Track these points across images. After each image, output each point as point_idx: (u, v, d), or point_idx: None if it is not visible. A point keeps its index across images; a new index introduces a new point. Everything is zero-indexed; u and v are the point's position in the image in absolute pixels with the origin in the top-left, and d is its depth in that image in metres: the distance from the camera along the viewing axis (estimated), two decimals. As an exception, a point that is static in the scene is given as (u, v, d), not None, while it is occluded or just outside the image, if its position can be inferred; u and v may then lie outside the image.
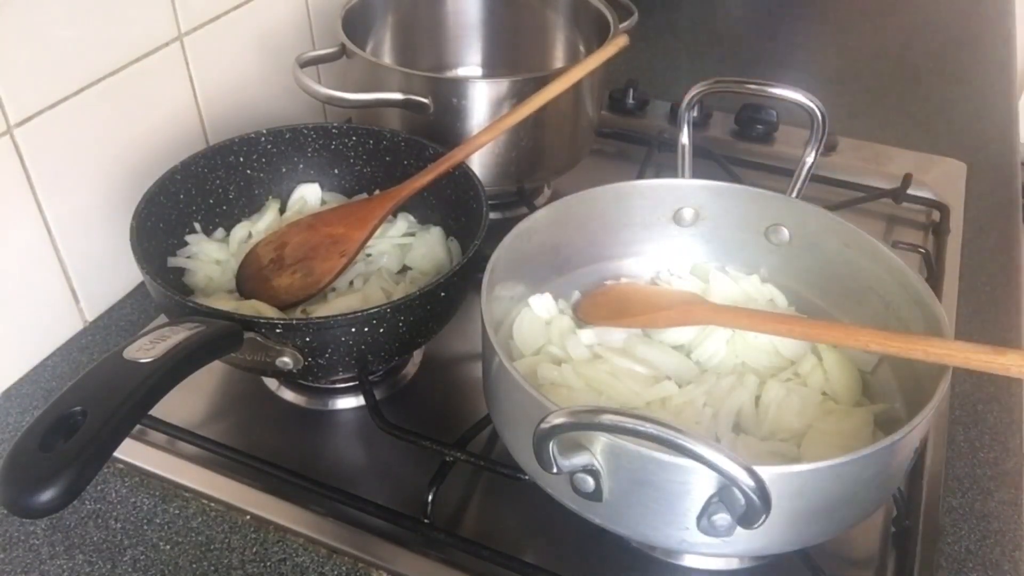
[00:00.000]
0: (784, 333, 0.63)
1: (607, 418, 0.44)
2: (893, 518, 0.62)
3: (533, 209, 0.75)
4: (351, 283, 0.74)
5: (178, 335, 0.53)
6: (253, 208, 0.80)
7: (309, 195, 0.81)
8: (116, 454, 0.58)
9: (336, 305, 0.70)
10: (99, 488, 0.64)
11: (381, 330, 0.61)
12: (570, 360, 0.66)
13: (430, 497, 0.60)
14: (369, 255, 0.77)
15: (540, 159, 0.87)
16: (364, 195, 0.81)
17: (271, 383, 0.73)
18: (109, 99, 0.75)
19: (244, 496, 0.63)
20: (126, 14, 0.75)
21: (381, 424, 0.65)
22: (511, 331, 0.67)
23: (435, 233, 0.78)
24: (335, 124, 0.81)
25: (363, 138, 0.80)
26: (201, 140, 0.87)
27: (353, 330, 0.60)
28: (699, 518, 0.48)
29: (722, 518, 0.48)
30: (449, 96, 0.80)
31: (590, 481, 0.49)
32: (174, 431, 0.67)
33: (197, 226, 0.76)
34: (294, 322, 0.61)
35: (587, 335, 0.67)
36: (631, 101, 1.09)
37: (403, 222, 0.80)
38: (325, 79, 0.97)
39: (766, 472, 0.45)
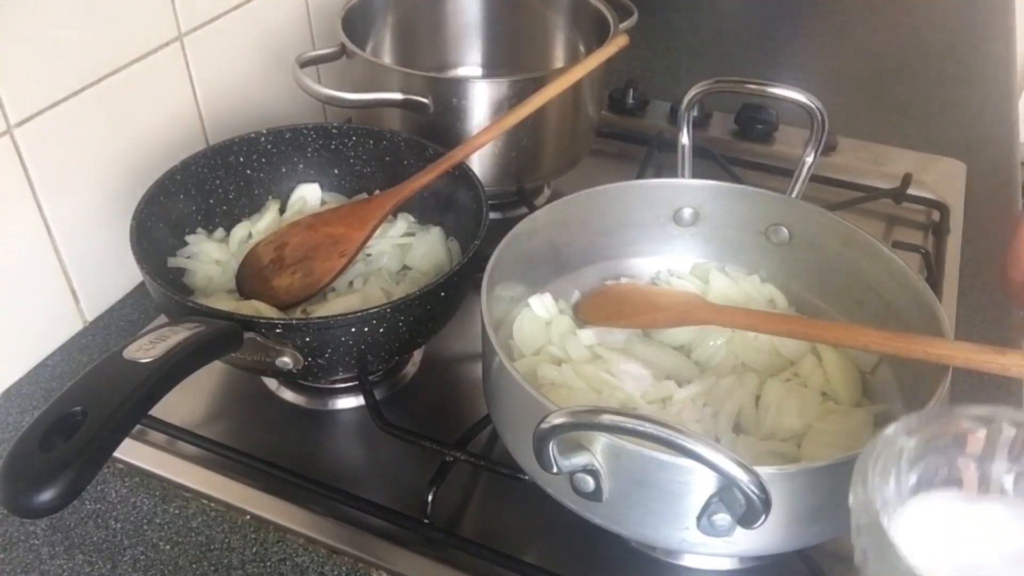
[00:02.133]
0: (784, 333, 0.63)
1: (607, 418, 0.44)
2: (893, 518, 0.62)
3: (533, 209, 0.75)
4: (351, 283, 0.74)
5: (178, 335, 0.53)
6: (253, 208, 0.80)
7: (309, 195, 0.81)
8: (116, 454, 0.58)
9: (336, 305, 0.70)
10: (99, 488, 0.64)
11: (381, 330, 0.61)
12: (570, 360, 0.66)
13: (430, 497, 0.60)
14: (369, 255, 0.77)
15: (540, 159, 0.87)
16: (364, 195, 0.81)
17: (271, 383, 0.73)
18: (109, 99, 0.75)
19: (244, 496, 0.63)
20: (126, 14, 0.75)
21: (381, 424, 0.65)
22: (511, 331, 0.67)
23: (435, 233, 0.78)
24: (335, 124, 0.81)
25: (363, 138, 0.80)
26: (201, 140, 0.87)
27: (353, 330, 0.60)
28: (699, 518, 0.48)
29: (722, 518, 0.48)
30: (449, 96, 0.80)
31: (590, 481, 0.49)
32: (174, 431, 0.67)
33: (197, 226, 0.76)
34: (294, 322, 0.61)
35: (587, 335, 0.67)
36: (631, 101, 1.09)
37: (403, 222, 0.80)
38: (325, 79, 0.97)
39: (766, 472, 0.45)
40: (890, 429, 0.40)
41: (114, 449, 0.47)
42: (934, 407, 0.43)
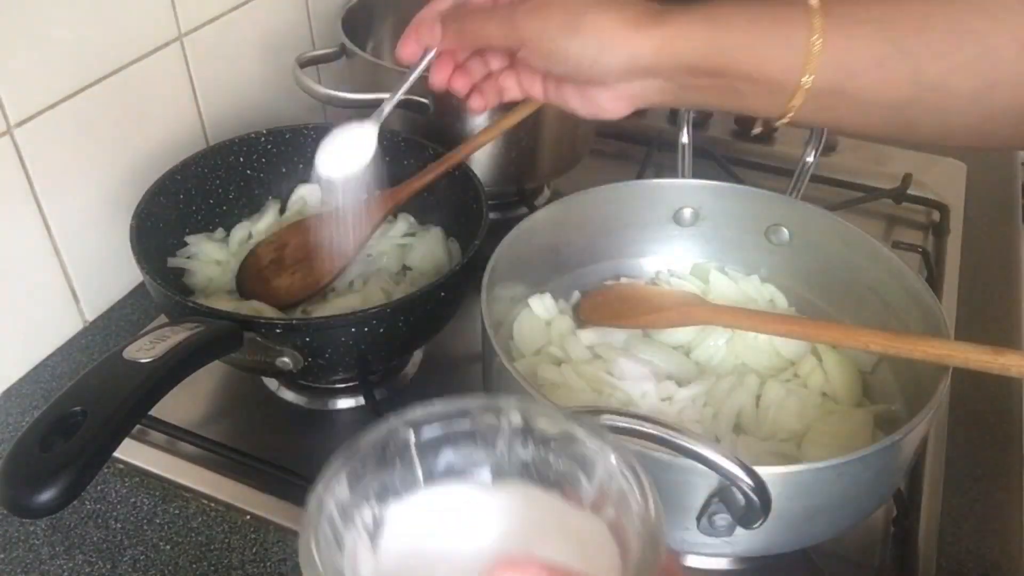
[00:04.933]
0: (784, 333, 0.63)
1: (607, 418, 0.44)
2: (893, 518, 0.62)
3: (533, 209, 0.75)
4: (351, 283, 0.74)
5: (178, 335, 0.53)
6: (253, 208, 0.80)
7: (309, 195, 0.81)
8: (116, 454, 0.58)
9: (336, 305, 0.70)
10: (99, 488, 0.64)
11: (381, 330, 0.61)
12: (570, 360, 0.66)
13: (430, 497, 0.60)
14: (369, 255, 0.77)
15: (540, 159, 0.87)
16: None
17: (271, 383, 0.73)
18: (109, 99, 0.75)
19: (244, 496, 0.63)
20: (126, 14, 0.75)
21: (381, 424, 0.65)
22: (511, 331, 0.67)
23: (435, 233, 0.78)
24: (335, 124, 0.81)
25: (363, 138, 0.80)
26: (201, 140, 0.87)
27: (353, 330, 0.60)
28: (699, 518, 0.48)
29: (722, 518, 0.48)
30: (449, 96, 0.80)
31: (590, 481, 0.49)
32: (174, 431, 0.67)
33: (197, 226, 0.76)
34: (294, 322, 0.61)
35: (587, 335, 0.67)
36: (631, 101, 1.09)
37: (403, 222, 0.80)
38: (325, 79, 0.97)
39: (766, 472, 0.45)
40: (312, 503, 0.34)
41: (114, 449, 0.47)
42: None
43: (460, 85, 0.60)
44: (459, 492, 0.37)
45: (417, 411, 0.37)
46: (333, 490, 0.35)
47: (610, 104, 0.55)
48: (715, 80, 0.50)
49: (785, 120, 0.51)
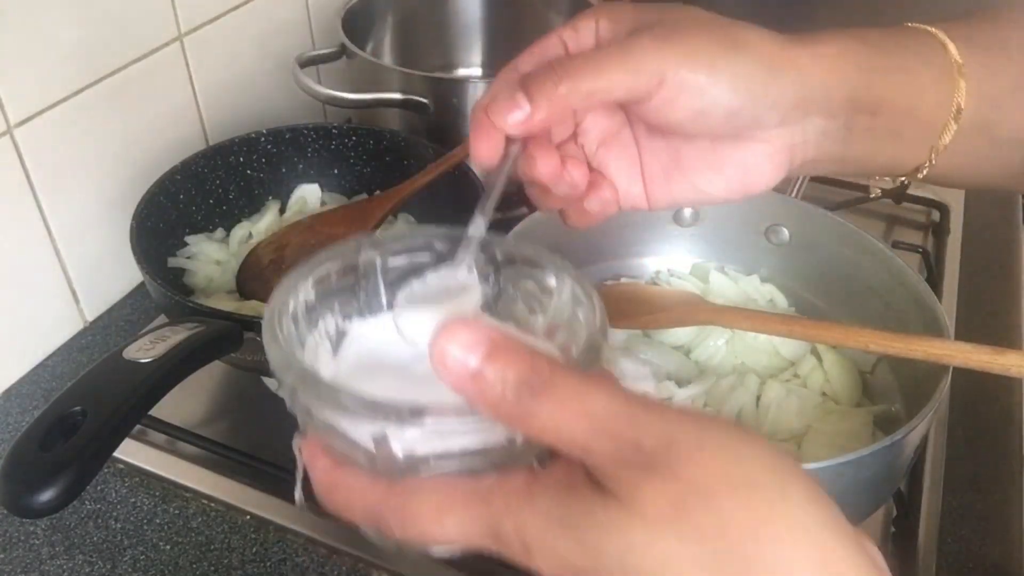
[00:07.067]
0: (784, 333, 0.63)
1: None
2: (893, 518, 0.62)
3: (533, 209, 0.75)
4: (351, 283, 0.74)
5: (178, 335, 0.53)
6: (253, 208, 0.80)
7: (309, 195, 0.81)
8: (116, 454, 0.58)
9: (336, 305, 0.70)
10: (99, 488, 0.64)
11: (381, 330, 0.61)
12: (570, 360, 0.66)
13: (430, 497, 0.60)
14: (369, 255, 0.77)
15: (540, 159, 0.87)
16: (364, 195, 0.81)
17: (271, 383, 0.73)
18: (109, 99, 0.75)
19: (244, 496, 0.63)
20: (126, 14, 0.75)
21: (381, 424, 0.64)
22: (511, 331, 0.67)
23: (435, 233, 0.78)
24: (335, 124, 0.81)
25: (363, 138, 0.80)
26: (201, 140, 0.87)
27: (353, 330, 0.60)
28: (699, 518, 0.48)
29: (722, 518, 0.47)
30: (449, 96, 0.80)
31: (590, 481, 0.49)
32: (174, 431, 0.67)
33: (197, 226, 0.76)
34: (294, 322, 0.61)
35: (587, 335, 0.67)
36: (631, 101, 1.09)
37: (403, 222, 0.80)
38: (325, 79, 0.97)
39: (766, 472, 0.45)
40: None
41: (114, 449, 0.47)
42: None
43: (579, 176, 0.44)
44: (420, 314, 0.38)
45: (383, 235, 0.40)
46: (299, 288, 0.36)
47: (767, 163, 0.43)
48: (875, 120, 0.42)
49: (926, 170, 0.44)
